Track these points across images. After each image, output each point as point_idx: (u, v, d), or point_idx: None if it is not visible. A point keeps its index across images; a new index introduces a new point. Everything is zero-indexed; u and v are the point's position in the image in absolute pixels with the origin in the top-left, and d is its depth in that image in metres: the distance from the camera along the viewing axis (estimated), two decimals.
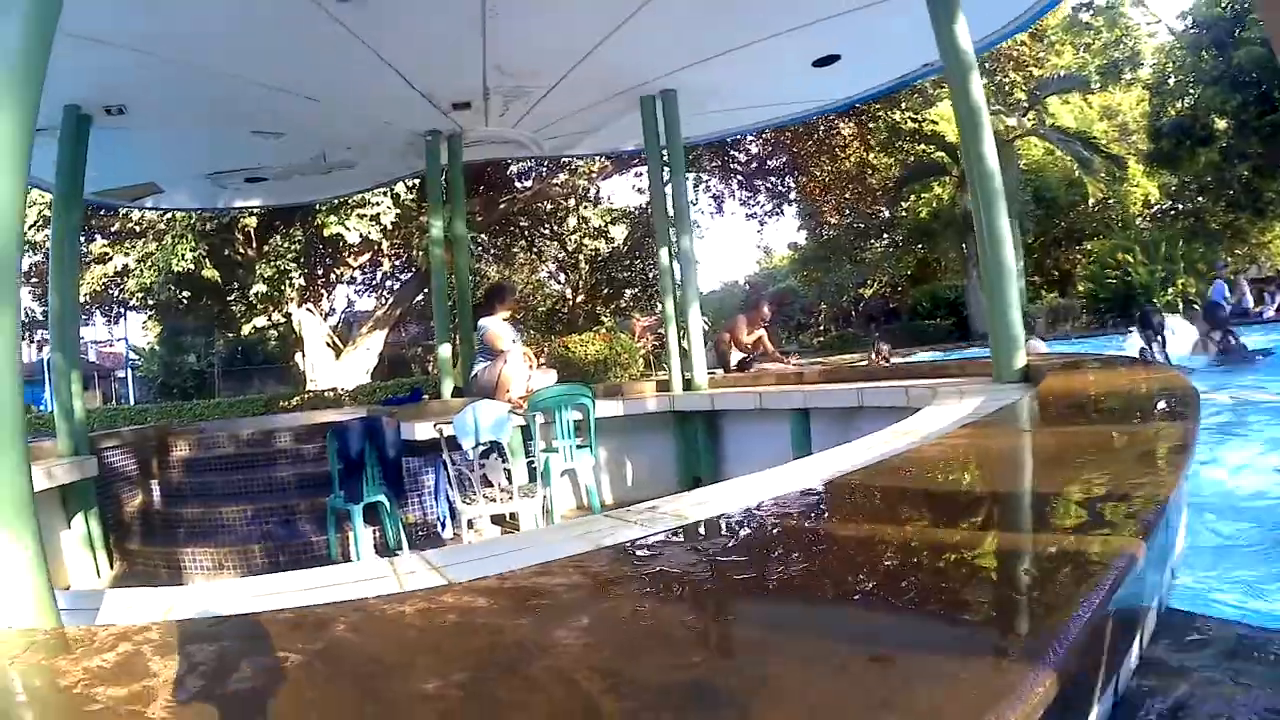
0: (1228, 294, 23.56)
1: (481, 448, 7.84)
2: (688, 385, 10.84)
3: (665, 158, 11.38)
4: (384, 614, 1.92)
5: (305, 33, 8.41)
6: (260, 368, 37.50)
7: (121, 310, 35.61)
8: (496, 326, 9.57)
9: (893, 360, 15.68)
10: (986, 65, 31.59)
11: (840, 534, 2.54)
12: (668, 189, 11.36)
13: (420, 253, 27.66)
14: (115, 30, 7.74)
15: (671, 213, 11.21)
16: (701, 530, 2.75)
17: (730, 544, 2.52)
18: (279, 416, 14.12)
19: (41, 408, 48.01)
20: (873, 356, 19.65)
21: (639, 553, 2.39)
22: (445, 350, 12.77)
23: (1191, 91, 32.27)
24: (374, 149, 12.82)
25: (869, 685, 1.32)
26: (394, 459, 8.43)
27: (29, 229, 35.44)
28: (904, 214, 40.21)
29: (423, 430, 8.46)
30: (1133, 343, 14.89)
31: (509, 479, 7.81)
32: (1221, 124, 31.12)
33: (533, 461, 8.43)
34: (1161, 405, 4.38)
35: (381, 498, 8.26)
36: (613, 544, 2.62)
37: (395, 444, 8.46)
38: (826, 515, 2.85)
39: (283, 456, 10.38)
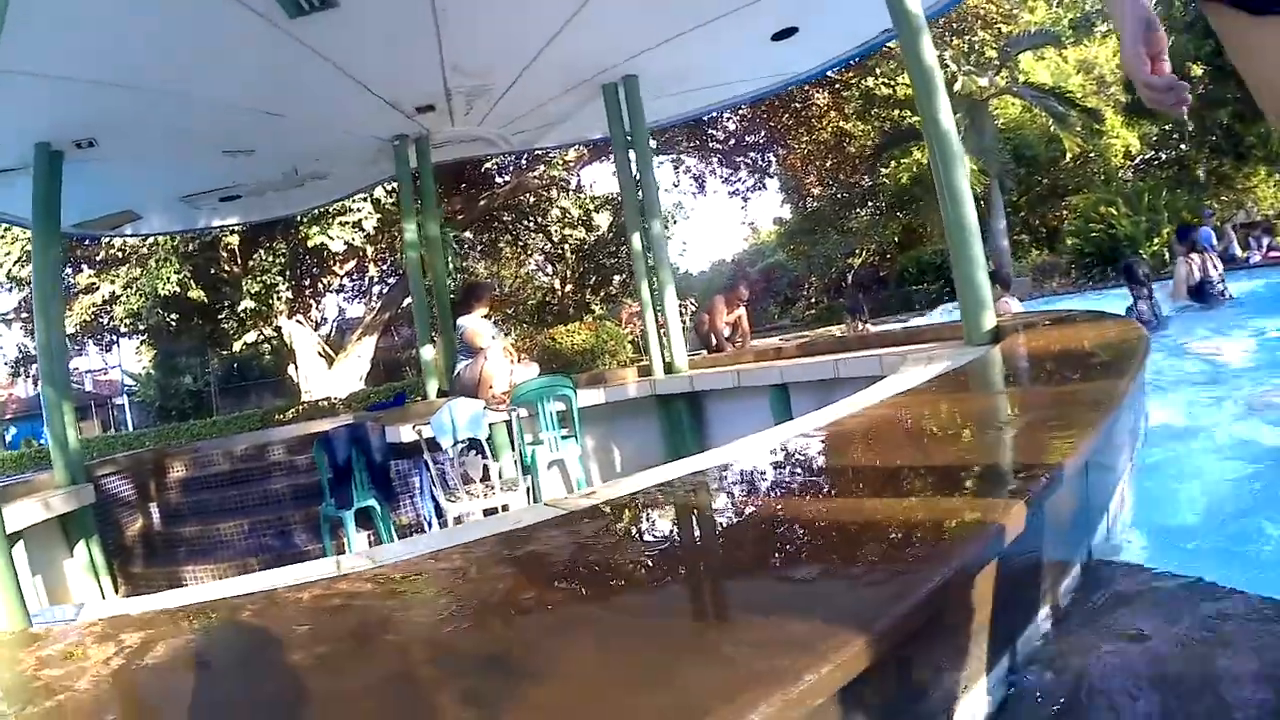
0: (1214, 240, 23.50)
1: (460, 445, 7.96)
2: (668, 369, 10.93)
3: (630, 143, 11.45)
4: (285, 599, 2.43)
5: (262, 51, 8.45)
6: (256, 383, 37.67)
7: (113, 338, 35.73)
8: (475, 324, 9.68)
9: (870, 328, 15.66)
10: (955, 25, 31.56)
11: (727, 509, 2.72)
12: (636, 175, 11.41)
13: (403, 255, 27.80)
14: (77, 67, 7.83)
15: (641, 198, 11.29)
16: (607, 510, 2.96)
17: (611, 526, 2.78)
18: (273, 430, 14.22)
19: (41, 441, 48.09)
20: (848, 326, 19.74)
21: (527, 536, 2.72)
22: (428, 352, 12.89)
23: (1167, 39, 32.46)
24: (344, 158, 12.88)
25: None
26: (381, 463, 8.54)
27: (14, 264, 35.59)
28: (885, 181, 40.21)
29: (406, 433, 8.58)
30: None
31: (487, 474, 7.93)
32: (1198, 70, 31.10)
33: (518, 457, 8.54)
34: (1100, 365, 4.48)
35: (372, 502, 8.34)
36: (511, 529, 2.85)
37: (381, 448, 8.56)
38: (722, 493, 3.06)
39: (276, 469, 10.51)
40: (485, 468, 8.12)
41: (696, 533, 2.65)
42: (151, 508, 10.43)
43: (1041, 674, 2.12)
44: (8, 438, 51.58)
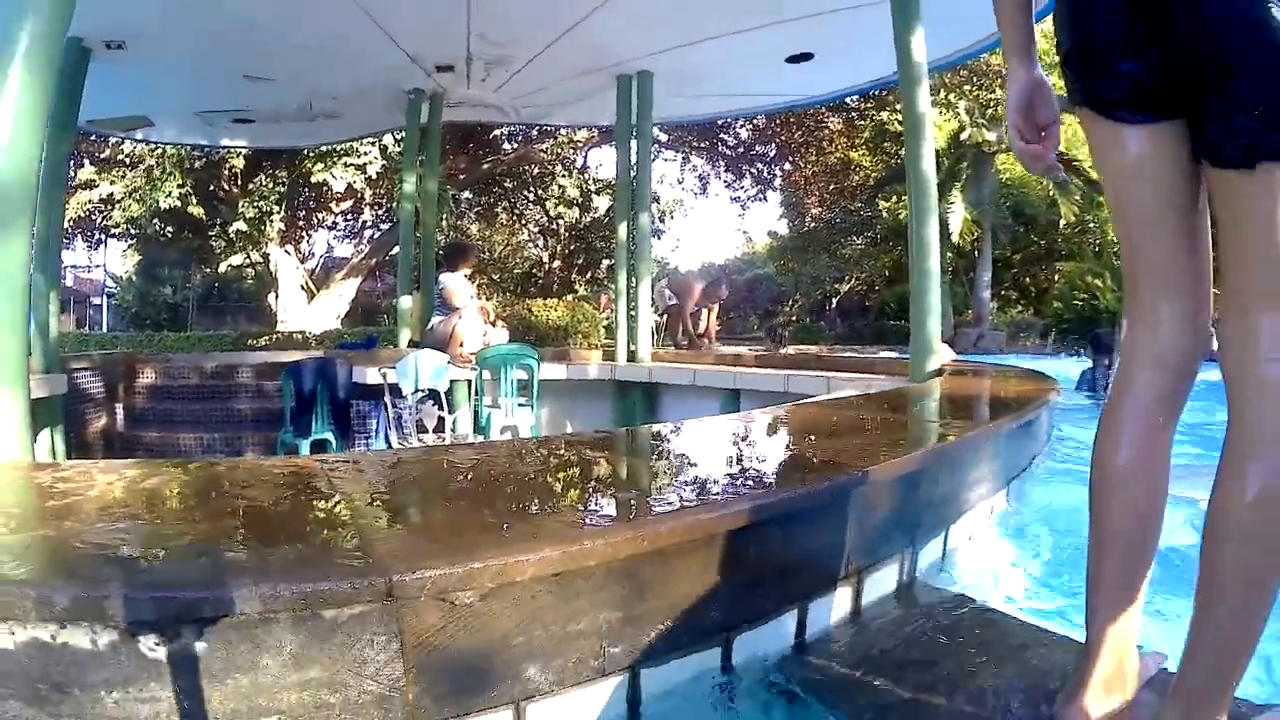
0: None
1: (420, 394, 8.29)
2: (631, 357, 11.30)
3: (634, 135, 11.78)
4: (254, 464, 2.83)
5: None
6: (235, 305, 37.48)
7: (103, 237, 35.62)
8: (455, 283, 9.99)
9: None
10: (975, 78, 31.81)
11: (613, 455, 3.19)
12: (634, 167, 11.80)
13: (400, 204, 27.93)
14: None
15: (634, 189, 11.67)
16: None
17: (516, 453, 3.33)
18: (245, 354, 14.46)
19: None
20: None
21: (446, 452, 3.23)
22: (406, 302, 13.21)
23: None
24: (359, 102, 13.18)
25: None
26: (343, 400, 8.83)
27: None
28: (884, 215, 40.43)
29: (373, 375, 8.91)
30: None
31: (441, 425, 8.27)
32: None
33: (475, 413, 8.85)
34: (990, 410, 5.16)
35: (329, 435, 8.64)
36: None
37: (346, 386, 8.85)
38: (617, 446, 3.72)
39: (242, 391, 10.75)
40: (440, 419, 8.46)
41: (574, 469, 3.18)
42: (118, 408, 10.69)
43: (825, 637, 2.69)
44: None
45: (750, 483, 2.81)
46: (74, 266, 55.55)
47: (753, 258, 55.91)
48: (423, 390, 8.33)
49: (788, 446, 3.71)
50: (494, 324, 10.57)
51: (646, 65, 11.31)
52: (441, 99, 12.71)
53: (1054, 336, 31.02)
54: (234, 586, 1.75)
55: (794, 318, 45.05)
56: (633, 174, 11.81)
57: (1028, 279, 42.76)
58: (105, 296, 42.94)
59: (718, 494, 2.66)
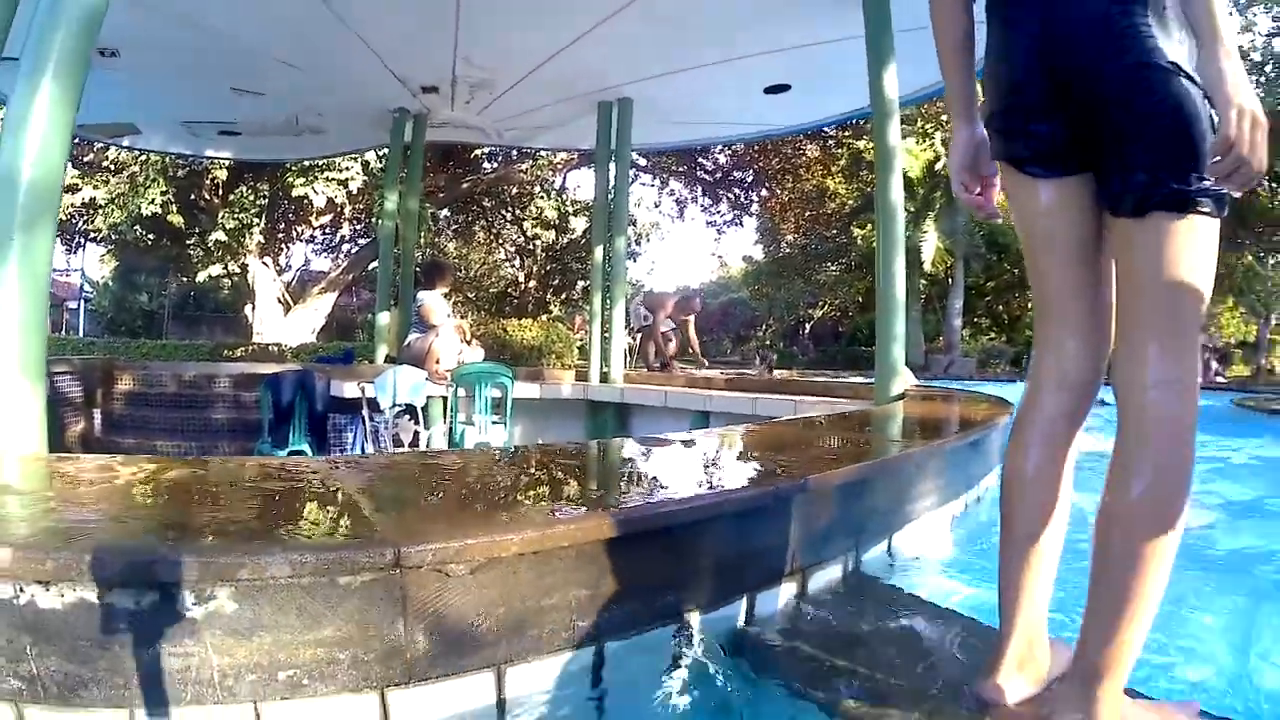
0: None
1: (397, 409, 8.48)
2: (604, 378, 11.50)
3: (613, 160, 12.03)
4: (245, 464, 3.24)
5: (294, 4, 8.96)
6: (210, 315, 37.52)
7: (82, 241, 35.63)
8: (433, 301, 10.17)
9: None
10: (944, 117, 32.14)
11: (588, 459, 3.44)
12: (612, 191, 12.03)
13: (378, 220, 28.04)
14: None
15: (611, 213, 11.91)
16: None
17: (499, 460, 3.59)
18: (222, 364, 14.59)
19: None
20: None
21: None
22: (384, 318, 13.38)
23: None
24: (344, 118, 13.40)
25: None
26: (321, 412, 8.98)
27: None
28: (858, 242, 40.66)
29: (351, 389, 9.09)
30: None
31: (416, 440, 8.46)
32: None
33: (450, 429, 9.04)
34: (940, 430, 5.47)
35: (305, 447, 8.77)
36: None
37: (323, 398, 9.01)
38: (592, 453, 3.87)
39: (220, 401, 10.86)
40: (416, 434, 8.65)
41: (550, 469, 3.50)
42: (95, 414, 10.78)
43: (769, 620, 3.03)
44: None
45: (707, 486, 3.21)
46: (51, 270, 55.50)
47: (727, 282, 55.98)
48: (400, 405, 8.51)
49: (748, 458, 4.03)
50: (469, 343, 10.73)
51: (627, 92, 11.56)
52: (425, 119, 12.91)
53: (1025, 364, 31.46)
54: (264, 554, 2.05)
55: (768, 342, 45.21)
56: (610, 198, 12.03)
57: (1000, 307, 43.04)
58: (82, 301, 42.88)
59: (675, 494, 3.03)
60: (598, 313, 11.79)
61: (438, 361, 9.75)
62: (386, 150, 16.88)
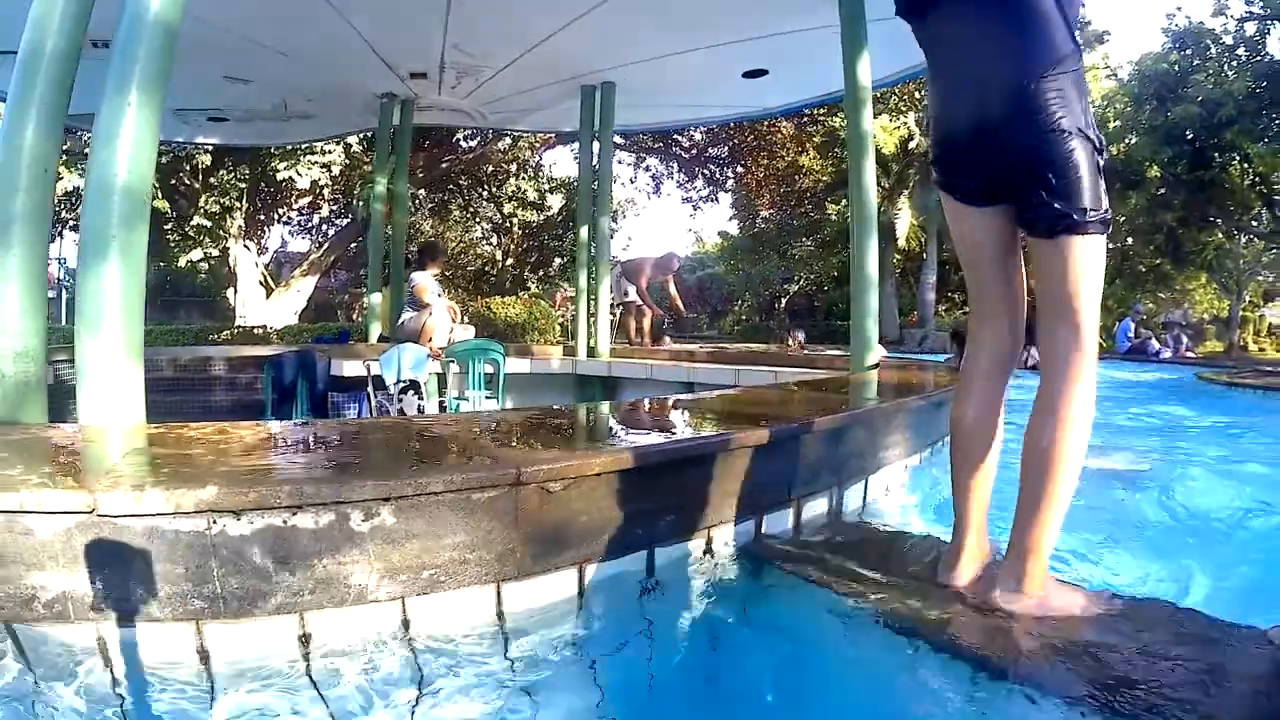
0: (1131, 333, 25.25)
1: (401, 384, 8.80)
2: (590, 352, 11.85)
3: (597, 142, 12.33)
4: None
5: None
6: (187, 299, 37.50)
7: (61, 230, 35.60)
8: (425, 280, 10.47)
9: (803, 350, 16.89)
10: (918, 95, 32.41)
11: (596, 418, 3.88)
12: (596, 171, 12.32)
13: (360, 202, 28.15)
14: None
15: (596, 193, 12.19)
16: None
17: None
18: (214, 347, 14.79)
19: None
20: (788, 343, 20.84)
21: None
22: (376, 298, 13.75)
23: (1128, 139, 32.87)
24: (333, 103, 13.62)
25: None
26: (321, 391, 9.26)
27: None
28: (832, 217, 40.77)
29: (351, 367, 9.42)
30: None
31: (421, 413, 8.79)
32: (1152, 172, 31.78)
33: (444, 404, 9.36)
34: (899, 390, 6.29)
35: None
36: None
37: (324, 378, 9.29)
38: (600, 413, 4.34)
39: (217, 383, 11.01)
40: (420, 408, 8.97)
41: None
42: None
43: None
44: None
45: (723, 430, 3.90)
46: None
47: (703, 257, 56.14)
48: (404, 381, 8.83)
49: (747, 413, 4.67)
50: (460, 322, 11.02)
51: (610, 77, 11.83)
52: (413, 104, 13.20)
53: None
54: (424, 475, 2.68)
55: (743, 317, 45.43)
56: (594, 179, 12.34)
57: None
58: (61, 290, 42.78)
59: (703, 434, 3.85)
60: (584, 289, 12.13)
61: (430, 339, 10.04)
62: (369, 135, 17.13)
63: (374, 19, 10.04)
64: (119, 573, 2.40)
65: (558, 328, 15.79)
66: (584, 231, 12.35)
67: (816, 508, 4.21)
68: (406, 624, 2.69)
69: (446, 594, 2.75)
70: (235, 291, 30.24)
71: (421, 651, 2.67)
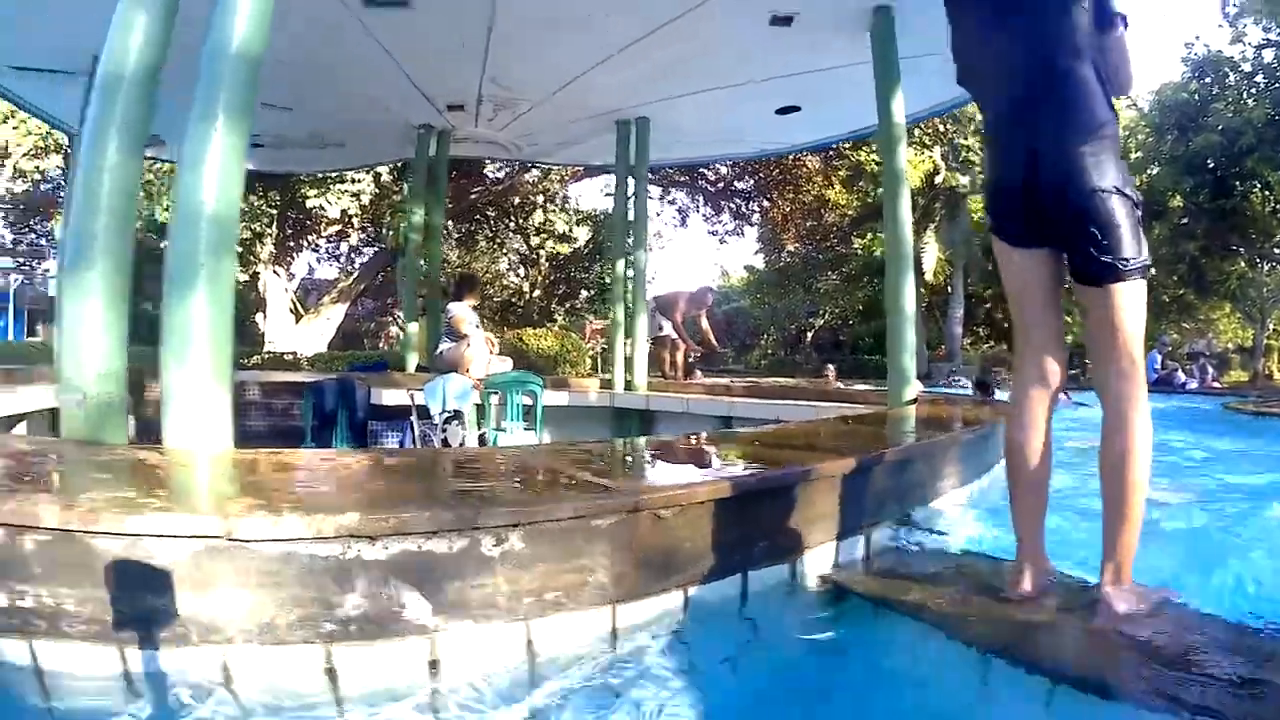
0: (1158, 365, 25.39)
1: (445, 414, 8.87)
2: (628, 386, 11.86)
3: (632, 177, 12.39)
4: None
5: (328, 25, 9.14)
6: None
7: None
8: (463, 312, 10.53)
9: (837, 384, 17.10)
10: (943, 128, 32.47)
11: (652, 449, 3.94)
12: (632, 207, 12.40)
13: (389, 231, 28.33)
14: None
15: (631, 229, 12.26)
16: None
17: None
18: (245, 372, 14.89)
19: None
20: (826, 378, 21.05)
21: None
22: (413, 328, 13.82)
23: (1150, 170, 32.97)
24: (368, 133, 13.73)
25: None
26: (362, 419, 9.32)
27: (23, 156, 35.61)
28: (858, 251, 40.76)
29: (390, 396, 9.49)
30: None
31: (463, 444, 8.85)
32: (1175, 202, 31.89)
33: (484, 435, 9.42)
34: (944, 424, 6.52)
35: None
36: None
37: (364, 406, 9.35)
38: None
39: (253, 408, 11.13)
40: (464, 438, 9.01)
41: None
42: (130, 421, 11.07)
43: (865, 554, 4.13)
44: None
45: (791, 460, 4.24)
46: (55, 276, 55.74)
47: (728, 291, 56.06)
48: (449, 411, 8.89)
49: (811, 444, 5.01)
50: (495, 354, 11.06)
51: (645, 112, 11.90)
52: (449, 135, 13.27)
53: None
54: (550, 503, 2.89)
55: (769, 351, 45.42)
56: (630, 213, 12.43)
57: (999, 314, 43.31)
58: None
59: (787, 466, 4.00)
60: (619, 322, 12.18)
61: (468, 370, 10.09)
62: (399, 165, 17.23)
63: (415, 53, 10.14)
64: (249, 597, 2.49)
65: (588, 360, 15.81)
66: (620, 266, 12.43)
67: (885, 534, 4.39)
68: (530, 645, 2.80)
69: (566, 615, 2.87)
70: (265, 317, 30.37)
71: (542, 671, 2.81)
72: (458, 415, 8.96)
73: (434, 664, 2.66)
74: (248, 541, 2.44)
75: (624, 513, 2.98)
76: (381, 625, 2.59)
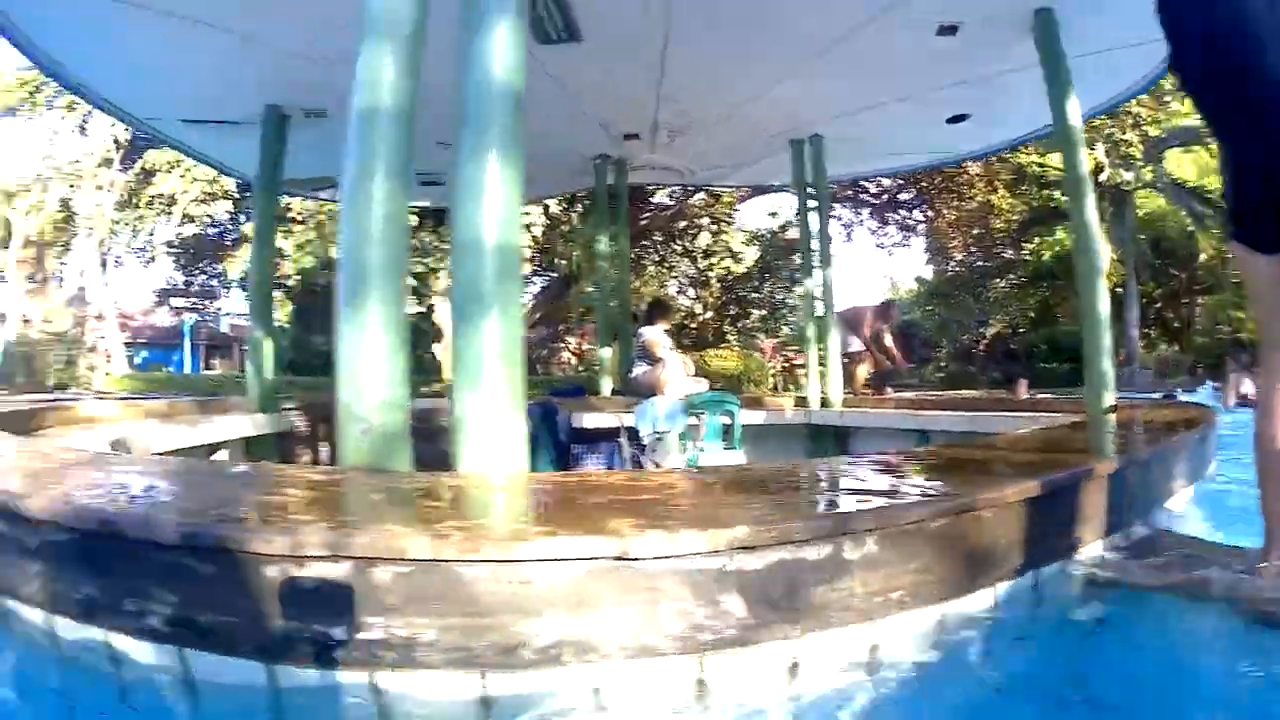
0: None
1: (655, 436, 9.05)
2: (824, 402, 11.86)
3: (813, 196, 12.42)
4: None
5: None
6: None
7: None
8: (657, 335, 10.73)
9: (1029, 395, 17.00)
10: (1104, 126, 31.81)
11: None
12: (815, 226, 12.45)
13: (562, 260, 28.77)
14: (316, 42, 8.71)
15: (816, 246, 12.30)
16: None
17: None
18: (437, 399, 15.17)
19: (170, 369, 49.79)
20: (1017, 390, 20.92)
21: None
22: (605, 353, 14.12)
23: None
24: (545, 166, 13.94)
25: None
26: (564, 442, 9.55)
27: (191, 202, 37.04)
28: (1027, 256, 40.05)
29: (591, 420, 9.70)
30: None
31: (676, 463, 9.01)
32: None
33: (686, 455, 9.56)
34: (1173, 429, 6.38)
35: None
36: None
37: (566, 429, 9.57)
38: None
39: (443, 434, 11.35)
40: (670, 458, 9.16)
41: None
42: (322, 447, 11.40)
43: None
44: (136, 360, 53.80)
45: (1057, 464, 4.28)
46: (227, 314, 58.09)
47: (899, 303, 55.37)
48: (658, 433, 9.09)
49: (1049, 451, 5.11)
50: (691, 376, 11.18)
51: (819, 130, 11.95)
52: (626, 163, 13.48)
53: (1202, 372, 30.75)
54: (904, 507, 3.12)
55: (943, 364, 44.83)
56: (814, 231, 12.47)
57: (1170, 314, 42.31)
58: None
59: (1048, 471, 3.94)
60: (811, 339, 12.19)
61: (663, 393, 10.25)
62: (569, 196, 17.50)
63: (590, 86, 10.36)
64: (630, 613, 2.62)
65: (770, 379, 15.90)
66: (809, 284, 12.41)
67: (1140, 527, 4.57)
68: (874, 647, 2.97)
69: (907, 614, 3.03)
70: (442, 346, 31.05)
71: (885, 671, 2.99)
72: (662, 437, 9.11)
73: (794, 669, 2.83)
74: (637, 560, 2.58)
75: (955, 514, 3.19)
76: (750, 633, 2.73)
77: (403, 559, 2.51)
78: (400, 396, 4.39)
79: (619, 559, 2.56)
